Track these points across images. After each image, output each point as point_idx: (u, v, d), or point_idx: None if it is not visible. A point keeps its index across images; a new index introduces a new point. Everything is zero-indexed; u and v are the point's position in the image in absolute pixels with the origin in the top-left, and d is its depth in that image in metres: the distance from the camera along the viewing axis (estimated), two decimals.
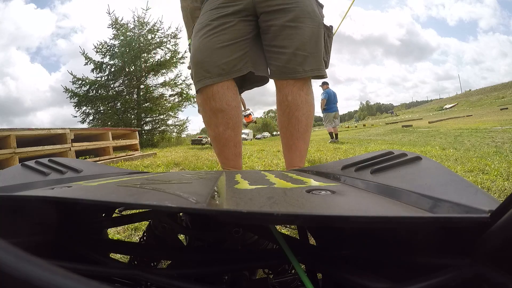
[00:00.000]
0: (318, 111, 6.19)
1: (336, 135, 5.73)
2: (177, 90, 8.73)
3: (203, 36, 0.99)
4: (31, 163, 0.46)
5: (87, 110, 8.23)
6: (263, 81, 1.11)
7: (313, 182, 0.35)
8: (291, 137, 1.04)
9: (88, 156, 3.38)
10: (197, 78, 0.98)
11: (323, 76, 1.03)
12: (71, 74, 7.99)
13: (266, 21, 0.98)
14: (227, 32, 0.97)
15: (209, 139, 5.63)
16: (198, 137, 5.81)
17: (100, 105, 8.22)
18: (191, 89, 8.51)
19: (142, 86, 8.48)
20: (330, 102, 5.81)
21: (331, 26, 1.08)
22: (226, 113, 1.00)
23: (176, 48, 8.63)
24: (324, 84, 6.03)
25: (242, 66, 0.99)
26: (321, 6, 1.07)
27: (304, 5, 0.96)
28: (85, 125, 8.15)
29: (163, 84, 8.66)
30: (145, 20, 8.64)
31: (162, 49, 8.65)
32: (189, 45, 1.21)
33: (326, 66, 1.06)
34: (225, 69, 0.96)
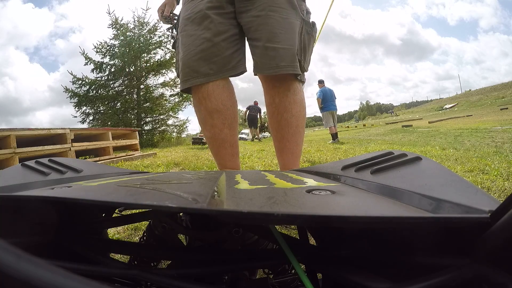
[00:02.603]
0: (317, 111, 6.14)
1: (336, 134, 5.62)
2: (177, 90, 8.73)
3: (188, 32, 0.94)
4: (31, 163, 0.46)
5: (87, 110, 8.23)
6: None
7: (313, 182, 0.35)
8: (282, 139, 1.02)
9: (88, 156, 3.38)
10: (184, 78, 0.95)
11: (297, 75, 0.94)
12: (71, 74, 7.99)
13: (240, 12, 0.93)
14: (212, 27, 0.91)
15: None
16: (200, 135, 5.80)
17: (100, 105, 8.23)
18: None
19: (142, 86, 8.48)
20: (326, 100, 5.70)
21: (314, 23, 0.99)
22: (222, 113, 0.96)
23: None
24: (320, 83, 5.93)
25: (235, 64, 0.94)
26: None
27: None
28: (85, 125, 8.16)
29: (163, 85, 8.66)
30: (145, 20, 8.65)
31: (162, 49, 8.65)
32: None
33: (302, 67, 0.96)
34: (213, 68, 0.92)
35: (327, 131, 6.22)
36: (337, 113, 5.90)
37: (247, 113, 9.14)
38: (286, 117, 0.99)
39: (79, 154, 3.13)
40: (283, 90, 0.97)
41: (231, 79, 1.03)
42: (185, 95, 8.63)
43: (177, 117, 9.01)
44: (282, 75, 0.93)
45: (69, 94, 7.97)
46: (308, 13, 1.00)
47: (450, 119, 12.11)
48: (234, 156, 1.03)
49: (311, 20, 0.99)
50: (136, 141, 3.77)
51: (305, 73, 1.03)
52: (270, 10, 0.89)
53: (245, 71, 0.98)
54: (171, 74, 8.75)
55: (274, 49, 0.89)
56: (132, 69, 8.39)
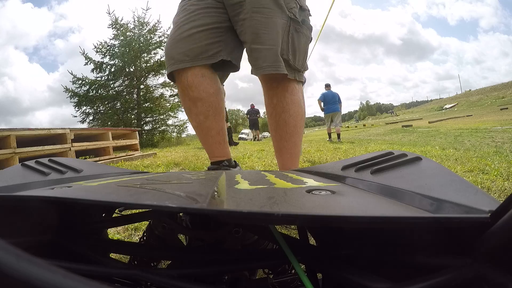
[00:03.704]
0: (318, 111, 6.45)
1: (338, 135, 5.93)
2: (177, 90, 8.73)
3: (176, 23, 0.99)
4: (31, 163, 0.46)
5: (87, 110, 8.23)
6: (232, 68, 1.07)
7: (313, 182, 0.35)
8: (281, 139, 1.03)
9: (88, 156, 3.38)
10: (166, 65, 1.00)
11: (283, 74, 0.92)
12: (71, 74, 7.99)
13: (232, 16, 0.96)
14: (196, 19, 0.95)
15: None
16: None
17: (100, 105, 8.22)
18: None
19: (142, 86, 8.48)
20: (326, 103, 6.04)
21: (304, 20, 0.98)
22: (205, 101, 0.98)
23: None
24: (326, 86, 6.26)
25: (213, 54, 0.96)
26: None
27: None
28: (85, 125, 8.16)
29: (163, 85, 8.66)
30: (145, 20, 8.65)
31: (162, 49, 8.65)
32: None
33: (293, 66, 0.95)
34: (189, 55, 0.94)
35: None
36: (340, 114, 6.20)
37: (248, 118, 10.13)
38: (284, 117, 1.00)
39: (79, 154, 3.13)
40: (281, 91, 0.99)
41: (232, 78, 1.04)
42: None
43: (177, 117, 9.01)
44: (280, 76, 0.95)
45: (69, 94, 7.97)
46: (303, 9, 0.99)
47: (450, 119, 12.12)
48: (221, 144, 1.05)
49: (301, 18, 0.97)
50: (136, 141, 3.77)
51: (304, 72, 1.03)
52: (253, 12, 0.91)
53: (227, 60, 0.98)
54: None
55: (258, 50, 0.92)
56: (132, 69, 8.38)
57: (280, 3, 0.92)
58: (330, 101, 6.02)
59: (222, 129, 1.05)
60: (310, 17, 1.03)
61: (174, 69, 0.96)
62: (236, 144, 5.55)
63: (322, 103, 6.11)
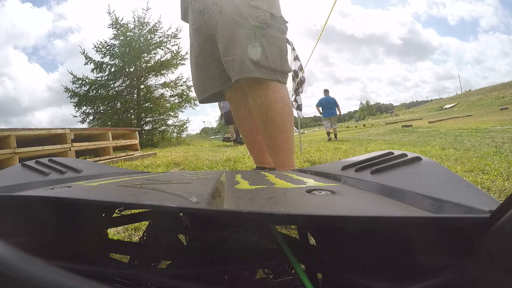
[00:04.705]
0: (317, 111, 6.67)
1: (335, 135, 6.49)
2: (178, 91, 8.73)
3: (192, 64, 1.23)
4: (31, 163, 0.46)
5: (87, 110, 8.22)
6: None
7: (313, 182, 0.35)
8: (271, 138, 1.05)
9: (88, 156, 3.38)
10: (197, 94, 1.26)
11: (255, 77, 0.98)
12: (71, 74, 7.98)
13: (215, 36, 1.06)
14: (202, 53, 1.14)
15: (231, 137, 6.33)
16: (227, 135, 7.19)
17: (100, 105, 8.21)
18: (191, 91, 8.51)
19: (142, 86, 8.47)
20: (324, 108, 6.62)
21: (270, 24, 1.02)
22: (250, 118, 1.16)
23: (178, 49, 8.62)
24: (324, 92, 6.79)
25: (227, 78, 1.10)
26: (256, 7, 0.99)
27: (224, 14, 0.99)
28: (85, 125, 8.15)
29: (164, 85, 8.65)
30: (145, 20, 8.64)
31: (162, 49, 8.64)
32: None
33: (266, 67, 0.98)
34: (210, 85, 1.18)
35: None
36: (338, 117, 6.75)
37: None
38: (271, 115, 1.02)
39: (79, 154, 3.13)
40: (263, 90, 1.02)
41: None
42: (185, 97, 8.67)
43: (177, 117, 9.00)
44: (259, 78, 1.00)
45: (69, 94, 7.96)
46: (275, 16, 1.04)
47: (450, 119, 12.12)
48: (264, 154, 1.23)
49: (267, 22, 1.01)
50: (136, 141, 3.77)
51: (287, 72, 1.08)
52: (223, 29, 1.00)
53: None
54: (172, 75, 8.74)
55: (227, 61, 1.02)
56: (132, 69, 8.38)
57: (244, 14, 0.98)
58: (326, 106, 6.58)
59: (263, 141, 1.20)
60: (286, 23, 1.09)
61: (203, 97, 1.21)
62: (241, 143, 5.58)
63: (320, 108, 6.67)
